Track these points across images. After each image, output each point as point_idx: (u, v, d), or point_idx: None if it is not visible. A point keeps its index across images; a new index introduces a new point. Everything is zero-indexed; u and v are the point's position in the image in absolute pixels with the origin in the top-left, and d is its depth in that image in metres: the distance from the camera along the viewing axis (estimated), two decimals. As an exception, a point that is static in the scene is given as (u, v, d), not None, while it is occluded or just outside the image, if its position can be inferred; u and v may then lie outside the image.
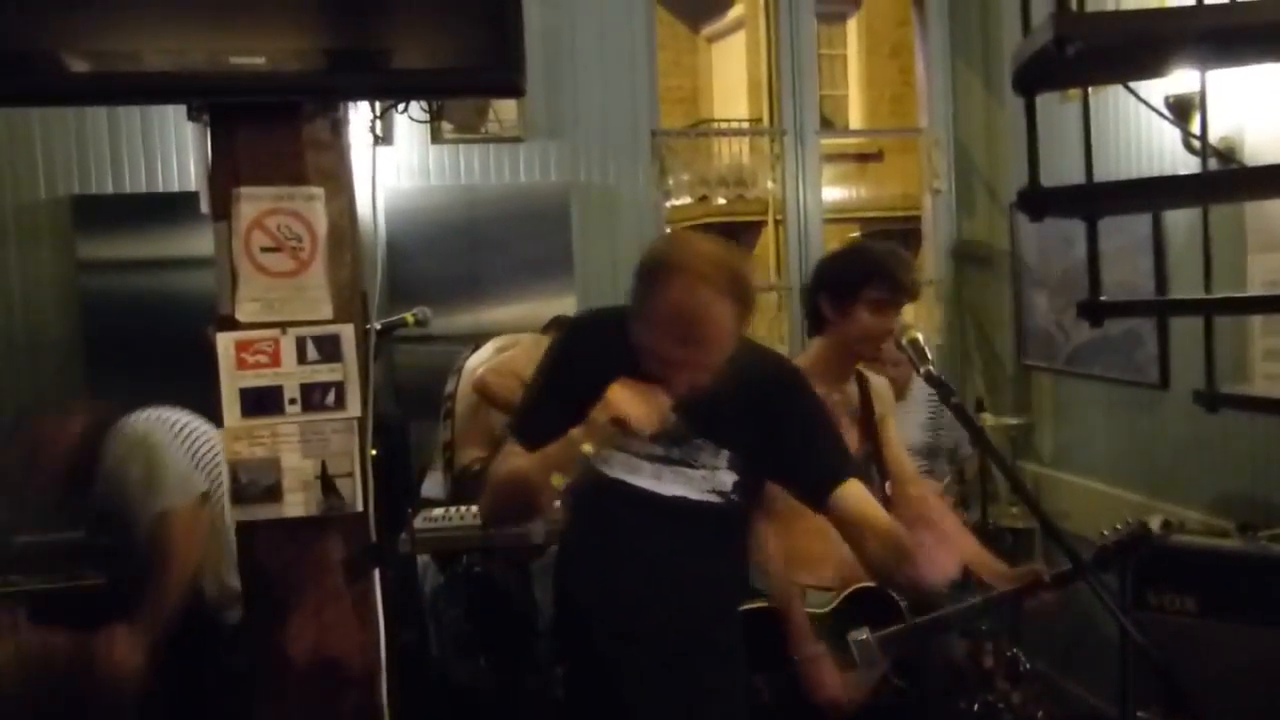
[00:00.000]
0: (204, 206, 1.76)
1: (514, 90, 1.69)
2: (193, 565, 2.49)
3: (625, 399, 1.63)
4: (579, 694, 1.96)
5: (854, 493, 1.78)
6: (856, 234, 11.03)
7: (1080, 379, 3.63)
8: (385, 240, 3.62)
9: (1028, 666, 3.25)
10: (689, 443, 1.79)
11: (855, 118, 11.78)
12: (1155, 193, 1.72)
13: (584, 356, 1.80)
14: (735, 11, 12.71)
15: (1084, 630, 3.37)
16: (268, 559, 1.80)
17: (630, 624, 1.85)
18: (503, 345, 3.34)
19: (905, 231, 9.47)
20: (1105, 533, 2.18)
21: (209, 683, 2.55)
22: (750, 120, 11.23)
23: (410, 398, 3.60)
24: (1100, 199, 1.81)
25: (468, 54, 1.67)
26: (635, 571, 1.83)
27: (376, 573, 1.85)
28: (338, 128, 1.79)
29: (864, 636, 2.34)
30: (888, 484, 2.44)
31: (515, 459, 1.78)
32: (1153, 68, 1.62)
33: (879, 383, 2.49)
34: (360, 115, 1.84)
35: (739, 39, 12.47)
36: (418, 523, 2.84)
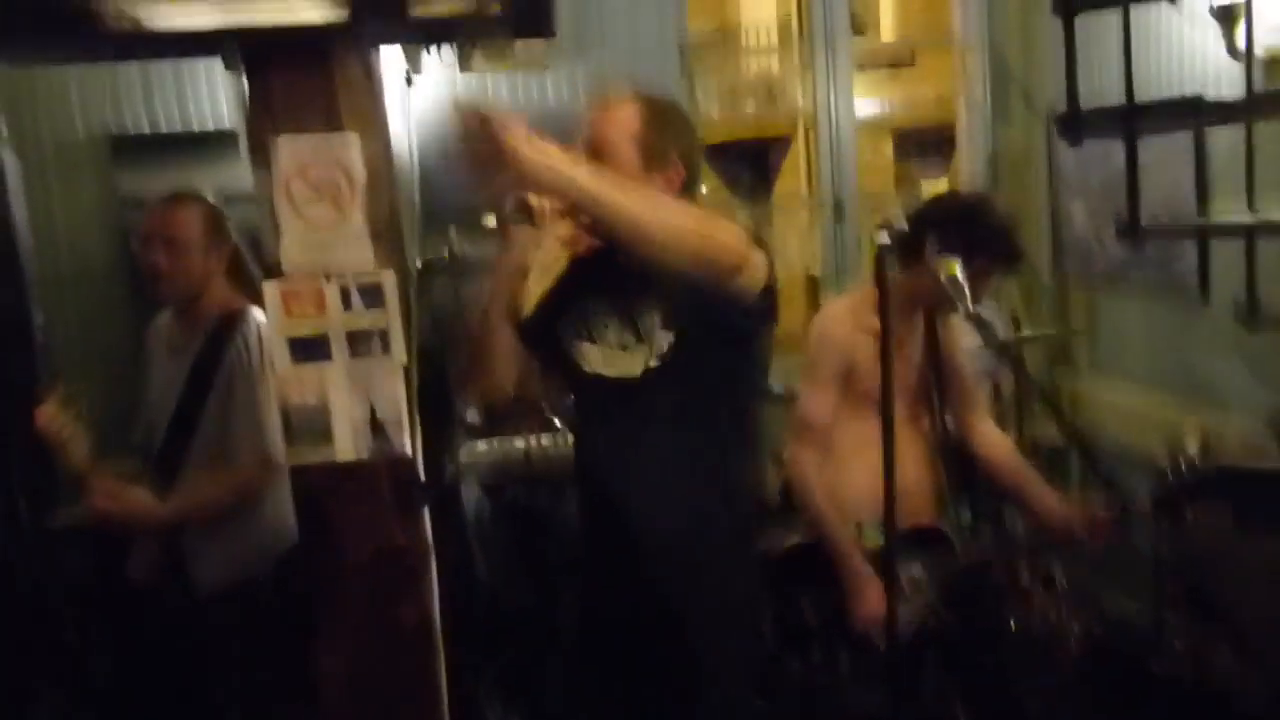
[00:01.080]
0: (244, 155, 1.78)
1: (545, 31, 1.67)
2: (218, 511, 2.37)
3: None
4: (591, 611, 2.06)
5: None
6: (889, 145, 10.76)
7: (1117, 291, 3.60)
8: (419, 172, 3.62)
9: (1064, 583, 3.28)
10: (636, 316, 1.85)
11: (886, 18, 11.43)
12: (1196, 113, 1.68)
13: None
14: (761, -89, 12.28)
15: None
16: (320, 497, 1.87)
17: (618, 526, 1.88)
18: None
19: (940, 139, 9.24)
20: (1169, 470, 2.18)
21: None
22: (779, 23, 10.93)
23: (447, 324, 3.64)
24: (1139, 120, 1.78)
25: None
26: (611, 470, 1.89)
27: (425, 510, 1.91)
28: (370, 70, 1.79)
29: (915, 573, 2.39)
30: (948, 417, 2.46)
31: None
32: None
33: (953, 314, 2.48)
34: (392, 53, 1.83)
35: (765, -60, 12.06)
36: (462, 454, 2.91)
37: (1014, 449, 2.61)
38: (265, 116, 1.74)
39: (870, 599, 2.33)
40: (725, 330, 1.78)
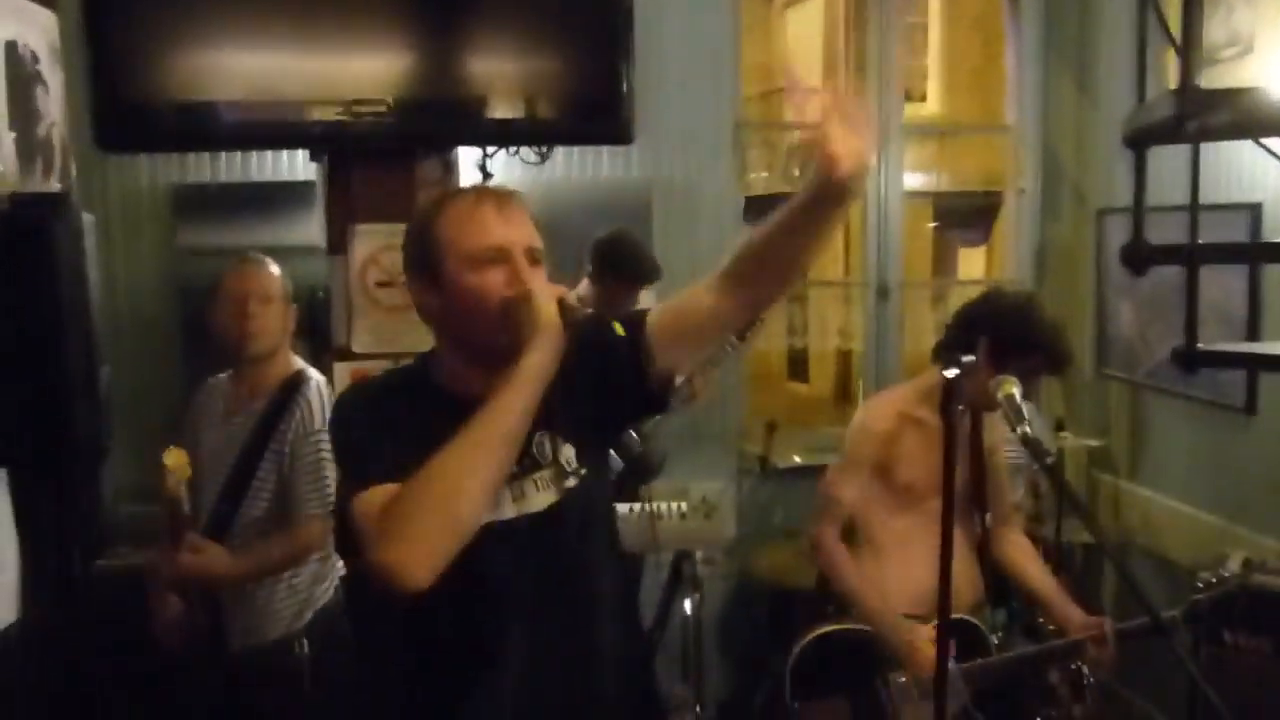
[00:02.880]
0: (321, 241, 1.84)
1: (623, 139, 1.72)
2: (282, 569, 2.45)
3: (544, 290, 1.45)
4: None
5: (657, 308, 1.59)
6: (929, 213, 10.84)
7: (1161, 394, 3.58)
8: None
9: (1091, 680, 3.25)
10: (531, 441, 1.52)
11: (933, 90, 11.57)
12: (1258, 254, 1.70)
13: (394, 419, 1.51)
14: (814, -22, 12.50)
15: (1152, 644, 3.37)
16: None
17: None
18: None
19: (984, 207, 9.29)
20: (1199, 585, 2.17)
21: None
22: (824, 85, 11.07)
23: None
24: (1202, 255, 1.80)
25: (579, 102, 1.70)
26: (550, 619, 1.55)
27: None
28: (449, 167, 1.85)
29: (950, 667, 2.39)
30: (987, 517, 2.48)
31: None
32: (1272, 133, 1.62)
33: (993, 414, 2.50)
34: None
35: (816, 6, 12.27)
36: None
37: (1039, 559, 2.66)
38: (343, 205, 1.81)
39: (924, 655, 2.34)
40: (631, 420, 1.72)
